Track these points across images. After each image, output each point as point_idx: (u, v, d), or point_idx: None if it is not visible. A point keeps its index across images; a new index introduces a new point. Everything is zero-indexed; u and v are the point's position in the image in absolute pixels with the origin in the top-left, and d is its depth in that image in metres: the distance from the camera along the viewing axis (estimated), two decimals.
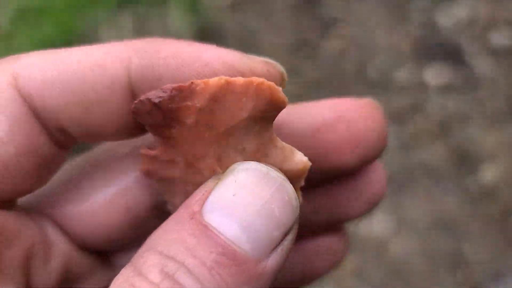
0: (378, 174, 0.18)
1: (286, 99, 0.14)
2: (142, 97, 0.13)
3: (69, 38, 0.83)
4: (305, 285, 0.19)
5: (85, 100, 0.14)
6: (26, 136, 0.14)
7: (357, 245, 0.64)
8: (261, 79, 0.13)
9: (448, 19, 0.80)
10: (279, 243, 0.13)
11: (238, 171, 0.13)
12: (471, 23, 0.79)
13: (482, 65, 0.76)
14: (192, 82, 0.13)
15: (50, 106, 0.14)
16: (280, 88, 0.13)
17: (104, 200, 0.16)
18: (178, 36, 0.85)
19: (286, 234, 0.13)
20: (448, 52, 0.77)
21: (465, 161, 0.69)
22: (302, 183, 0.15)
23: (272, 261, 0.13)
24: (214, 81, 0.13)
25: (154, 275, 0.12)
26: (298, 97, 0.81)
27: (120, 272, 0.13)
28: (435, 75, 0.76)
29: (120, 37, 0.81)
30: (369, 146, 0.17)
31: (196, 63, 0.14)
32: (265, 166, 0.13)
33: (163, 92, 0.13)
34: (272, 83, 0.13)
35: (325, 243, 0.19)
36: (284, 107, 0.14)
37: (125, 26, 0.83)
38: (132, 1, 0.84)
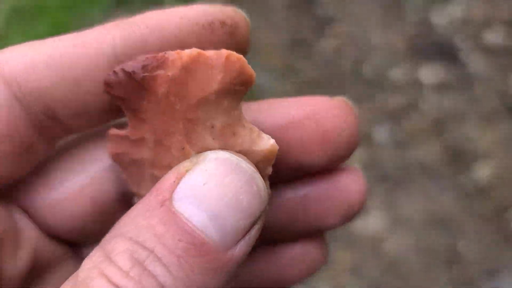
0: (356, 185, 0.18)
1: (254, 73, 0.14)
2: (116, 68, 0.14)
3: None
4: None
5: (71, 76, 0.14)
6: (6, 120, 0.14)
7: (352, 242, 0.64)
8: (230, 51, 0.14)
9: (443, 18, 0.81)
10: (247, 232, 0.13)
11: (209, 160, 0.13)
12: (465, 22, 0.80)
13: (477, 64, 0.76)
14: (165, 52, 0.13)
15: (36, 88, 0.14)
16: (250, 66, 0.14)
17: (71, 190, 0.16)
18: None
19: (253, 224, 0.13)
20: (443, 51, 0.78)
21: (460, 159, 0.69)
22: (270, 171, 0.15)
23: (239, 250, 0.13)
24: (186, 52, 0.13)
25: (124, 262, 0.12)
26: (294, 95, 0.81)
27: (89, 255, 0.13)
28: (430, 73, 0.76)
29: None
30: (338, 145, 0.17)
31: (173, 18, 0.14)
32: (236, 156, 0.13)
33: (137, 62, 0.13)
34: (241, 56, 0.14)
35: (302, 251, 0.19)
36: (252, 81, 0.14)
37: None
38: (129, 0, 0.84)
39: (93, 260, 0.12)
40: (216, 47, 0.14)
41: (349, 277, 0.63)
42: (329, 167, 0.17)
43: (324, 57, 0.80)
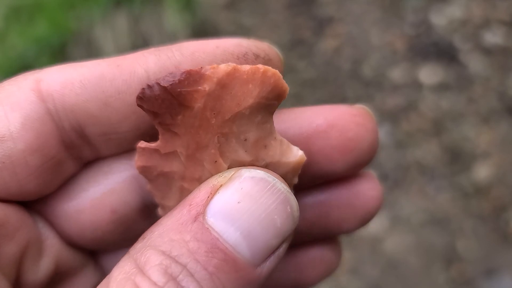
0: (373, 191, 0.18)
1: (287, 87, 0.14)
2: (151, 82, 0.13)
3: (63, 37, 0.82)
4: None
5: (103, 95, 0.15)
6: (37, 134, 0.14)
7: (352, 242, 0.65)
8: (266, 66, 0.14)
9: (442, 18, 0.81)
10: (276, 249, 0.13)
11: (245, 179, 0.13)
12: (464, 22, 0.80)
13: (476, 64, 0.76)
14: (201, 67, 0.13)
15: (69, 104, 0.15)
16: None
17: (91, 199, 0.17)
18: (173, 35, 0.85)
19: (283, 242, 0.14)
20: (442, 51, 0.78)
21: (459, 158, 0.69)
22: (296, 180, 0.15)
23: (268, 266, 0.13)
24: (222, 66, 0.13)
25: (158, 277, 0.12)
26: (294, 95, 0.81)
27: (118, 265, 0.13)
28: (429, 74, 0.77)
29: (115, 35, 0.80)
30: (360, 153, 0.17)
31: (208, 47, 0.15)
32: (272, 176, 0.14)
33: (173, 76, 0.13)
34: (276, 71, 0.14)
35: (319, 254, 0.19)
36: (285, 96, 0.14)
37: (120, 25, 0.83)
38: (127, 0, 0.84)
39: (126, 270, 0.12)
40: None
41: (349, 276, 0.63)
42: (349, 174, 0.18)
43: (323, 57, 0.80)
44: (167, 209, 0.15)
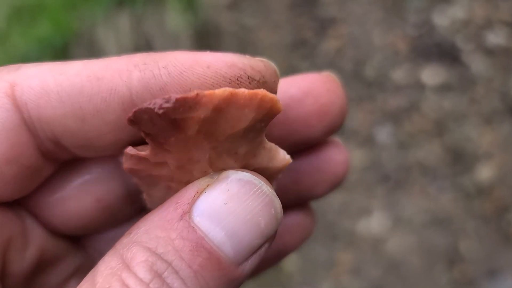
0: (341, 156, 0.19)
1: (282, 108, 0.14)
2: (143, 106, 0.13)
3: (65, 37, 0.83)
4: (278, 261, 0.20)
5: (81, 112, 0.14)
6: (12, 144, 0.14)
7: (354, 242, 0.65)
8: (264, 91, 0.13)
9: (444, 19, 0.81)
10: (258, 249, 0.14)
11: (232, 181, 0.14)
12: (467, 23, 0.80)
13: (478, 65, 0.76)
14: (197, 94, 0.13)
15: (45, 116, 0.14)
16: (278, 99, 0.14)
17: (75, 189, 0.17)
18: (175, 35, 0.85)
19: (265, 242, 0.14)
20: (444, 52, 0.78)
21: (461, 159, 0.69)
22: (280, 176, 0.16)
23: (250, 264, 0.14)
24: (219, 92, 0.13)
25: (144, 273, 0.12)
26: None
27: (104, 259, 0.13)
28: (431, 74, 0.76)
29: (117, 36, 0.81)
30: (333, 118, 0.18)
31: (197, 67, 0.14)
32: (258, 179, 0.14)
33: (166, 102, 0.13)
34: (274, 96, 0.14)
35: (294, 220, 0.20)
36: (278, 114, 0.14)
37: (122, 26, 0.83)
38: (129, 0, 0.84)
39: (112, 266, 0.13)
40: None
41: (351, 277, 0.63)
42: (324, 139, 0.19)
43: (325, 58, 0.80)
44: (153, 198, 0.15)
